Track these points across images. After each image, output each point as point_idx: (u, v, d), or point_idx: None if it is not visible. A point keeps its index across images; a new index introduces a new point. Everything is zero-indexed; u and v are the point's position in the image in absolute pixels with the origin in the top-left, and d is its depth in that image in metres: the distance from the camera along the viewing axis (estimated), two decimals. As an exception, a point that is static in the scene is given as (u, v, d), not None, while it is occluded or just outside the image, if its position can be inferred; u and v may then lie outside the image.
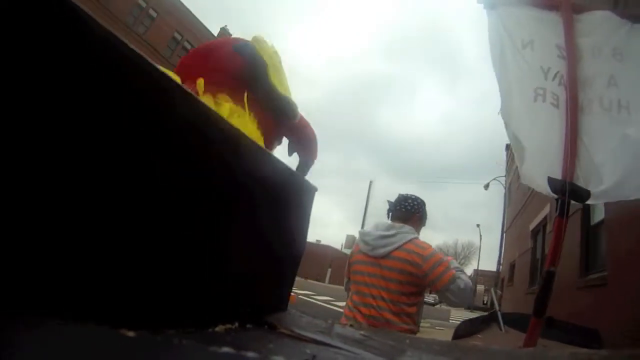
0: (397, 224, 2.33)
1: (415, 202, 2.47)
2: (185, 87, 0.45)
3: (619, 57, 2.21)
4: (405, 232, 2.28)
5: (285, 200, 0.62)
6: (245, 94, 0.98)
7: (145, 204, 0.40)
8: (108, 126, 0.37)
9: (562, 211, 1.92)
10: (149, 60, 0.40)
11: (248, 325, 0.54)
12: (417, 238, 2.31)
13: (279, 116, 1.17)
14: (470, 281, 2.28)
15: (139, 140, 0.39)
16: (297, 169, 1.34)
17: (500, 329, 2.57)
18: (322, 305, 13.84)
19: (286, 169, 0.64)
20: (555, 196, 1.93)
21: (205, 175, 0.47)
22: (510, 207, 17.80)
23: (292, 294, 0.75)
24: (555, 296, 1.89)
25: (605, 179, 1.92)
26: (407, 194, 2.53)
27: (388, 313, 2.16)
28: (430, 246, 2.34)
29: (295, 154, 1.39)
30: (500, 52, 2.26)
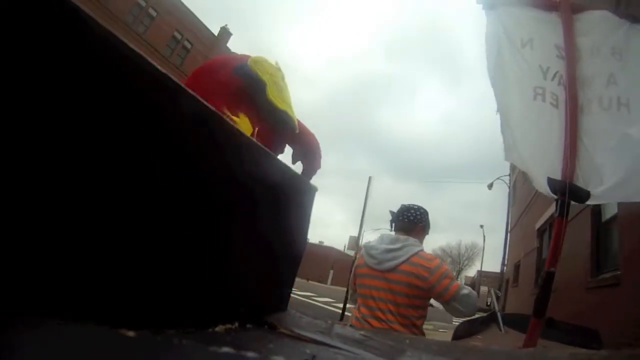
0: (402, 237, 2.33)
1: (418, 213, 2.46)
2: (186, 87, 0.45)
3: (618, 56, 2.21)
4: (411, 244, 2.28)
5: (285, 200, 0.62)
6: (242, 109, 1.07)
7: (144, 204, 0.40)
8: (108, 126, 0.37)
9: (562, 211, 1.92)
10: (150, 60, 0.40)
11: (248, 325, 0.54)
12: (422, 250, 2.31)
13: (278, 127, 1.23)
14: (473, 291, 2.29)
15: (140, 140, 0.39)
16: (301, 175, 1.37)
17: (500, 330, 2.56)
18: (323, 307, 13.82)
19: (287, 169, 0.64)
20: (555, 197, 1.93)
21: (205, 175, 0.47)
22: (515, 206, 17.56)
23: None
24: (564, 297, 1.89)
25: (606, 180, 1.92)
26: (410, 205, 2.52)
27: (397, 325, 2.16)
28: (436, 258, 2.35)
29: (299, 163, 1.44)
30: (498, 51, 2.26)
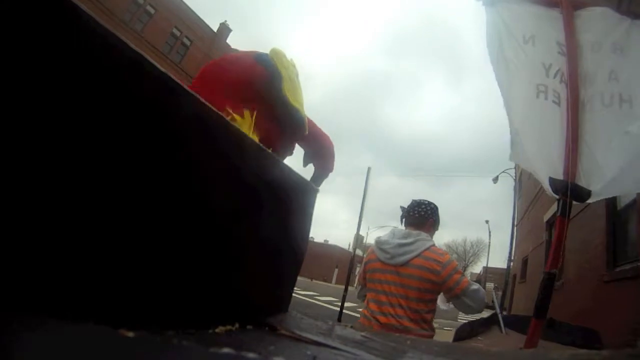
0: (414, 232, 2.34)
1: (429, 208, 2.47)
2: (187, 87, 0.45)
3: (619, 52, 2.21)
4: (423, 239, 2.30)
5: (286, 201, 0.62)
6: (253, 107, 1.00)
7: (145, 204, 0.40)
8: (107, 127, 0.36)
9: (564, 211, 1.91)
10: (150, 59, 0.39)
11: (248, 327, 0.54)
12: (434, 245, 2.32)
13: (287, 127, 1.19)
14: (481, 287, 2.30)
15: (141, 141, 0.39)
16: (311, 179, 1.34)
17: (501, 331, 2.56)
18: (324, 307, 13.77)
19: (288, 170, 0.64)
20: (557, 196, 1.93)
21: (205, 177, 0.47)
22: (522, 200, 17.11)
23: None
24: (577, 292, 1.88)
25: (606, 176, 1.92)
26: (421, 200, 2.53)
27: (406, 320, 2.17)
28: (447, 253, 2.37)
29: (310, 165, 1.40)
30: (499, 48, 2.26)
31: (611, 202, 5.79)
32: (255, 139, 0.89)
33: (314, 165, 1.37)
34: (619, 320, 3.67)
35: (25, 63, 0.30)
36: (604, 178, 1.92)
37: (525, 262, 14.98)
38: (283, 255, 0.66)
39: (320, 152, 1.37)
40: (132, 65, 0.38)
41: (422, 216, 2.43)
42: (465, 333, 2.96)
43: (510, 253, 17.55)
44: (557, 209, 1.95)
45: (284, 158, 1.27)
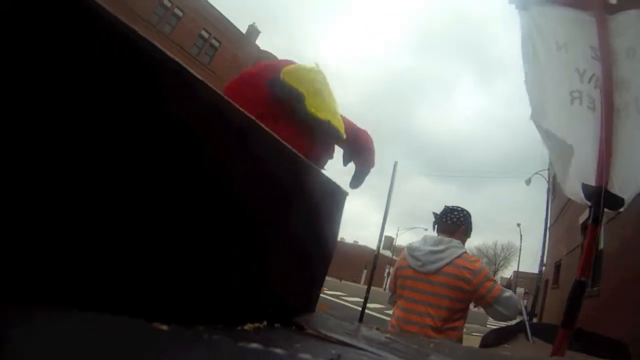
0: (446, 239, 2.31)
1: (462, 214, 2.44)
2: (225, 96, 0.46)
3: None
4: (454, 246, 2.26)
5: (316, 203, 0.63)
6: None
7: (180, 204, 0.42)
8: (145, 129, 0.38)
9: (596, 219, 1.86)
10: (183, 64, 0.41)
11: (276, 325, 0.56)
12: (466, 252, 2.29)
13: (322, 138, 1.16)
14: (514, 293, 2.26)
15: (176, 143, 0.41)
16: (353, 177, 1.31)
17: (528, 340, 2.51)
18: (350, 307, 13.65)
19: (318, 173, 0.65)
20: (589, 203, 1.88)
21: (241, 179, 0.49)
22: (555, 202, 16.31)
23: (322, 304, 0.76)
24: (619, 301, 1.82)
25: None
26: (453, 206, 2.50)
27: (431, 330, 2.14)
28: (479, 260, 2.33)
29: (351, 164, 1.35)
30: (533, 54, 2.21)
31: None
32: None
33: (355, 163, 1.33)
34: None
35: (40, 58, 0.31)
36: (637, 185, 1.86)
37: (558, 266, 14.41)
38: (311, 257, 0.67)
39: (359, 150, 1.33)
40: (162, 68, 0.39)
41: (454, 223, 2.40)
42: (491, 340, 2.91)
43: (542, 257, 16.87)
44: (589, 216, 1.90)
45: (324, 164, 1.25)
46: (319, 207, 0.65)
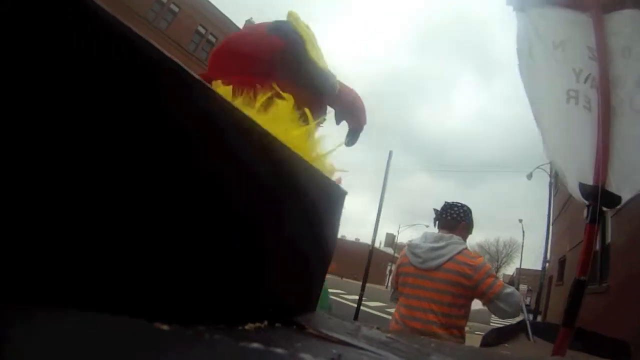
0: (446, 235, 2.32)
1: (462, 210, 2.45)
2: (217, 91, 0.46)
3: None
4: (455, 242, 2.27)
5: (315, 202, 0.63)
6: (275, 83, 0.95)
7: (179, 203, 0.42)
8: (136, 125, 0.38)
9: (594, 218, 1.87)
10: (170, 56, 0.40)
11: (277, 325, 0.56)
12: (466, 248, 2.29)
13: (318, 92, 1.14)
14: (516, 290, 2.25)
15: (177, 141, 0.41)
16: (347, 136, 1.32)
17: (529, 339, 2.51)
18: (350, 305, 13.51)
19: (317, 172, 0.65)
20: (586, 202, 1.89)
21: (238, 178, 0.48)
22: (558, 196, 16.21)
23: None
24: (627, 297, 1.82)
25: (637, 181, 1.87)
26: (453, 202, 2.51)
27: (436, 326, 2.15)
28: (480, 256, 2.33)
29: (343, 123, 1.34)
30: (529, 53, 2.23)
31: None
32: (295, 118, 0.84)
33: (347, 122, 1.33)
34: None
35: (37, 56, 0.31)
36: (634, 183, 1.87)
37: (562, 262, 14.24)
38: (311, 256, 0.67)
39: (350, 108, 1.32)
40: (146, 57, 0.39)
41: (454, 219, 2.41)
42: (492, 339, 2.92)
43: (545, 253, 16.63)
44: (587, 215, 1.91)
45: (318, 119, 1.24)
46: (318, 206, 0.65)
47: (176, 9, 22.15)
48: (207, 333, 0.38)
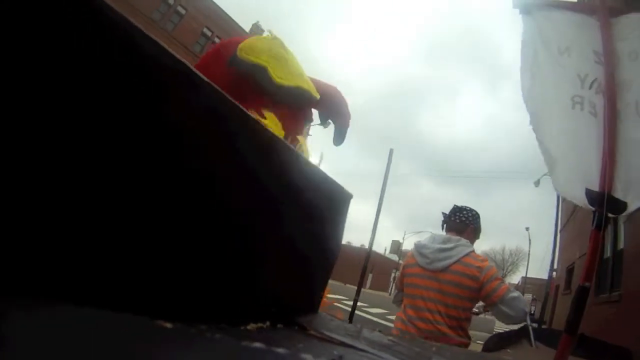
0: (454, 237, 2.31)
1: (470, 214, 2.44)
2: (227, 94, 0.46)
3: None
4: (463, 245, 2.26)
5: (319, 206, 0.63)
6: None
7: (183, 204, 0.42)
8: (133, 122, 0.38)
9: (599, 224, 1.86)
10: (170, 50, 0.40)
11: (279, 325, 0.55)
12: (474, 251, 2.28)
13: (296, 106, 1.15)
14: (521, 295, 2.24)
15: (181, 141, 0.41)
16: (335, 135, 1.31)
17: (531, 345, 2.49)
18: (349, 311, 13.37)
19: (322, 175, 0.65)
20: (593, 209, 1.88)
21: (242, 180, 0.49)
22: (566, 203, 15.69)
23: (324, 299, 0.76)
24: None
25: None
26: (463, 206, 2.50)
27: (445, 327, 2.14)
28: (487, 259, 2.32)
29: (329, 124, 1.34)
30: (534, 58, 2.21)
31: None
32: (282, 133, 0.86)
33: (332, 120, 1.32)
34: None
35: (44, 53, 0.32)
36: (637, 189, 1.86)
37: (570, 271, 13.98)
38: (315, 259, 0.66)
39: (333, 107, 1.32)
40: (150, 57, 0.39)
41: (462, 222, 2.40)
42: (494, 345, 2.89)
43: (552, 261, 16.40)
44: (593, 221, 1.89)
45: (308, 127, 1.27)
46: (323, 209, 0.65)
47: (183, 11, 22.21)
48: (209, 332, 0.39)
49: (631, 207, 1.85)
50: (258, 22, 26.46)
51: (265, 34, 1.18)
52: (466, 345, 2.17)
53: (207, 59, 1.24)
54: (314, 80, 1.25)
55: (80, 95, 0.33)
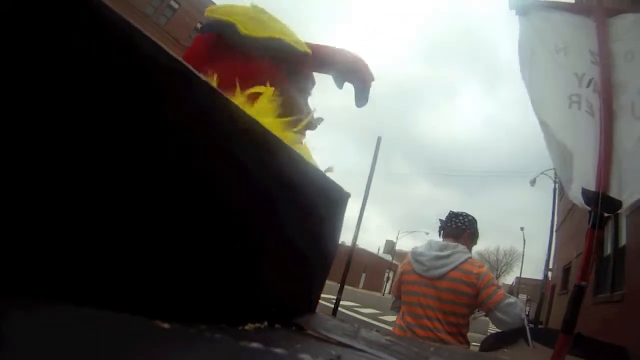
0: (451, 244, 2.32)
1: (467, 219, 2.45)
2: (215, 86, 0.46)
3: None
4: (460, 251, 2.27)
5: (317, 204, 0.63)
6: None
7: (181, 204, 0.42)
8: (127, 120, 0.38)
9: (595, 223, 1.87)
10: (161, 44, 0.40)
11: (277, 326, 0.56)
12: (471, 257, 2.29)
13: (277, 59, 1.06)
14: (518, 300, 2.25)
15: (181, 140, 0.41)
16: (356, 97, 1.23)
17: (528, 345, 2.50)
18: (341, 312, 13.27)
19: (319, 173, 0.65)
20: (589, 208, 1.89)
21: (239, 179, 0.49)
22: (562, 202, 15.63)
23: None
24: None
25: (637, 186, 1.87)
26: (459, 212, 2.51)
27: (444, 334, 2.14)
28: (484, 265, 2.33)
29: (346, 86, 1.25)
30: (531, 57, 2.22)
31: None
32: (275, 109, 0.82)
33: (351, 82, 1.23)
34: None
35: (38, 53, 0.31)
36: (634, 189, 1.87)
37: (567, 270, 13.86)
38: (312, 258, 0.67)
39: (349, 67, 1.22)
40: (146, 54, 0.39)
41: (459, 227, 2.41)
42: (490, 345, 2.90)
43: (547, 260, 16.23)
44: (589, 220, 1.90)
45: (307, 89, 1.18)
46: (320, 208, 0.65)
47: (175, 5, 22.13)
48: (207, 332, 0.39)
49: (625, 205, 1.86)
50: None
51: (245, 4, 1.12)
52: None
53: (190, 51, 1.19)
54: (321, 46, 1.20)
55: (75, 92, 0.33)
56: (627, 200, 1.87)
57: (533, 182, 20.38)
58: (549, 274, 16.58)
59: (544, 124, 2.06)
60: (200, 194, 0.43)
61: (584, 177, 1.94)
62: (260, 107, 0.76)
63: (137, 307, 0.36)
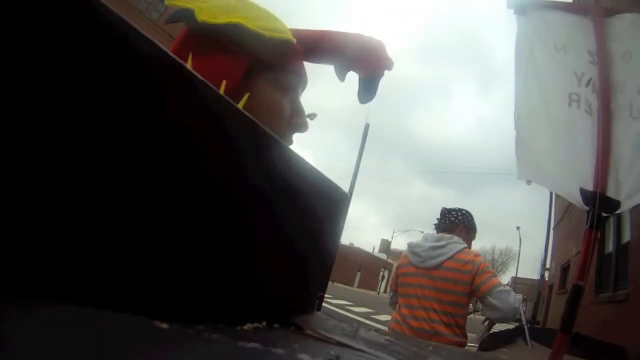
0: (446, 235, 2.34)
1: (459, 213, 2.48)
2: (204, 79, 0.46)
3: None
4: (455, 242, 2.30)
5: (316, 205, 0.63)
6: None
7: (179, 206, 0.42)
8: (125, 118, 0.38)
9: (592, 223, 1.87)
10: (159, 44, 0.39)
11: (275, 325, 0.56)
12: (467, 247, 2.31)
13: (243, 50, 0.90)
14: (513, 291, 2.26)
15: (180, 138, 0.41)
16: (360, 89, 1.01)
17: (527, 344, 2.51)
18: (334, 311, 13.23)
19: (319, 174, 0.65)
20: (587, 208, 1.89)
21: (238, 178, 0.49)
22: (560, 200, 15.12)
23: None
24: None
25: (635, 188, 1.88)
26: (451, 208, 2.54)
27: (439, 325, 2.16)
28: (480, 255, 2.35)
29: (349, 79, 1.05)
30: (528, 56, 2.23)
31: None
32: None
33: (357, 72, 1.01)
34: None
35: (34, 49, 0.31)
36: (632, 189, 1.88)
37: (565, 269, 13.73)
38: (312, 258, 0.67)
39: (354, 53, 0.99)
40: (138, 49, 0.38)
41: (452, 222, 2.45)
42: (489, 344, 2.91)
43: (544, 259, 16.00)
44: (587, 220, 1.91)
45: (288, 88, 0.97)
46: (320, 208, 0.65)
47: (169, -1, 22.04)
48: (205, 332, 0.39)
49: (624, 207, 1.87)
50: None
51: None
52: (463, 345, 2.19)
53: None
54: (323, 31, 1.01)
55: (75, 92, 0.33)
56: (626, 202, 1.87)
57: (529, 181, 20.38)
58: (546, 273, 16.47)
59: (522, 124, 2.07)
60: (200, 194, 0.43)
61: (582, 177, 1.95)
62: None
63: (137, 307, 0.36)
